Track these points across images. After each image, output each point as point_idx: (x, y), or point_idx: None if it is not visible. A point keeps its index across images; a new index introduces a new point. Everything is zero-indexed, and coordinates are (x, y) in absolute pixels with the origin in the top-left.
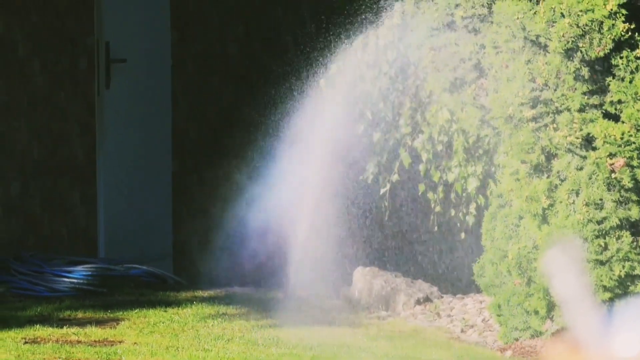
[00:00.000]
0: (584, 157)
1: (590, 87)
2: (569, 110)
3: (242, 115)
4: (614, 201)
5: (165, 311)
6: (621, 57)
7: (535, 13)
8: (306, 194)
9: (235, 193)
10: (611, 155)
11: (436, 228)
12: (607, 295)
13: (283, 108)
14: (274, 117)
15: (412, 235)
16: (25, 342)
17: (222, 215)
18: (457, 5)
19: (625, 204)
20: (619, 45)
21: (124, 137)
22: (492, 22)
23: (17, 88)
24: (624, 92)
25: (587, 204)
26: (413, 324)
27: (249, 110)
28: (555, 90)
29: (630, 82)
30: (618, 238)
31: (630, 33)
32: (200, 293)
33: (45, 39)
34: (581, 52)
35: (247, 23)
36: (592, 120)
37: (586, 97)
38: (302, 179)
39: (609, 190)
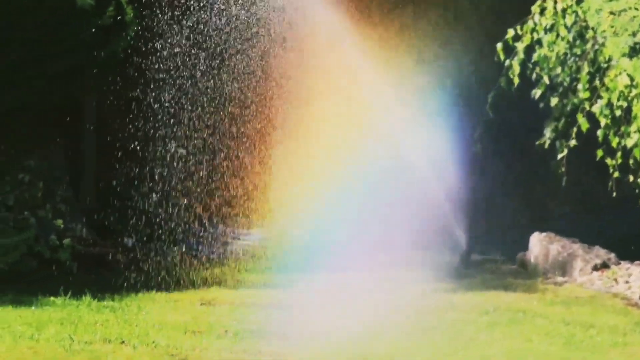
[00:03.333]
0: None
1: None
2: None
3: None
4: None
5: (341, 275)
6: None
7: None
8: (483, 160)
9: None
10: None
11: (614, 194)
12: None
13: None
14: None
15: (590, 200)
16: (202, 304)
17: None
18: None
19: None
20: None
21: None
22: None
23: None
24: None
25: None
26: (590, 290)
27: None
28: None
29: None
30: None
31: None
32: (375, 257)
33: None
34: None
35: None
36: None
37: None
38: (484, 146)
39: None
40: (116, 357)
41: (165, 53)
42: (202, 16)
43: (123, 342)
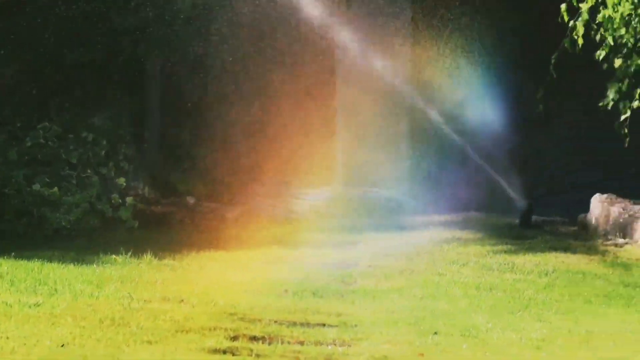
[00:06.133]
0: None
1: None
2: None
3: None
4: None
5: (401, 235)
6: None
7: None
8: (547, 122)
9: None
10: None
11: None
12: None
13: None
14: None
15: None
16: (262, 263)
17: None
18: None
19: None
20: None
21: None
22: None
23: None
24: None
25: None
26: None
27: None
28: None
29: None
30: None
31: None
32: (436, 217)
33: None
34: None
35: None
36: None
37: None
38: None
39: None
40: (174, 315)
41: (229, 12)
42: None
43: (182, 300)
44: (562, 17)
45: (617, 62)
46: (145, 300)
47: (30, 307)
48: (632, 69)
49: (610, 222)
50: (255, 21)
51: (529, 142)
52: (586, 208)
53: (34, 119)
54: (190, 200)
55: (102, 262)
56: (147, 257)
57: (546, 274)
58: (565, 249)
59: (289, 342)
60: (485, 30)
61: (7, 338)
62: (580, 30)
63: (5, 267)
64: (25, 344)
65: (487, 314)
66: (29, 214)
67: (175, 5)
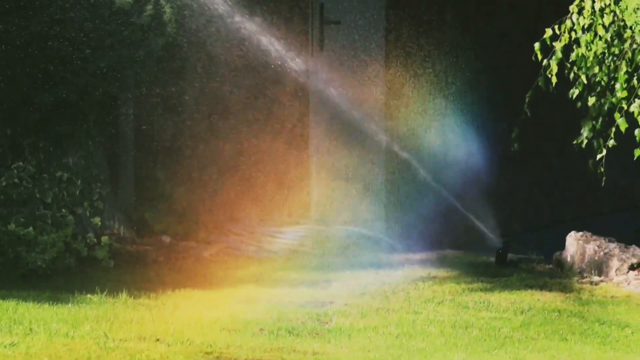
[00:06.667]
0: None
1: None
2: None
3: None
4: None
5: (377, 273)
6: None
7: None
8: (521, 159)
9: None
10: None
11: None
12: None
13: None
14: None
15: (627, 199)
16: (238, 302)
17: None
18: None
19: None
20: None
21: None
22: None
23: None
24: None
25: None
26: (626, 290)
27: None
28: None
29: None
30: None
31: None
32: (412, 255)
33: None
34: None
35: None
36: None
37: None
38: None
39: None
40: (150, 354)
41: (203, 52)
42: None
43: (158, 339)
44: (536, 56)
45: (591, 101)
46: (121, 340)
47: (5, 347)
48: (606, 107)
49: (586, 260)
50: (229, 61)
51: (504, 180)
52: (562, 246)
53: (8, 159)
54: (166, 239)
55: (78, 302)
56: (123, 296)
57: (522, 312)
58: (541, 287)
59: None
60: (458, 69)
61: None
62: (554, 68)
63: None
64: None
65: (463, 353)
66: (5, 254)
67: (149, 45)
